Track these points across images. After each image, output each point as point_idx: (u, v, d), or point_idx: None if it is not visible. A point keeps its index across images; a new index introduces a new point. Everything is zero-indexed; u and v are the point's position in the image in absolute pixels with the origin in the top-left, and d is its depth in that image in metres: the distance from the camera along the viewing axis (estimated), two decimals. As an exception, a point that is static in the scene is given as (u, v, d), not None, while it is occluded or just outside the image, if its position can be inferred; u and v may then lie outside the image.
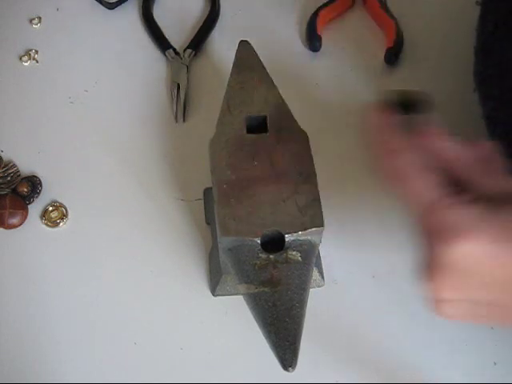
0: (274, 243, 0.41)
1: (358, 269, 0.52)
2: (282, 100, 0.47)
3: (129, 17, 0.65)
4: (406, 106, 0.38)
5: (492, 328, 0.50)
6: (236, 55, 0.49)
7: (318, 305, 0.49)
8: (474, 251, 0.30)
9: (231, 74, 0.48)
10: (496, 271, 0.30)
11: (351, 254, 0.52)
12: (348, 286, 0.51)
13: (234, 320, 0.50)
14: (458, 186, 0.33)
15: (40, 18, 0.65)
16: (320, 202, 0.41)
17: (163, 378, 0.48)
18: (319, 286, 0.50)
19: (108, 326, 0.50)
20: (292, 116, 0.46)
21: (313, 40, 0.62)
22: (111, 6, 0.65)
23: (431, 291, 0.32)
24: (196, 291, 0.51)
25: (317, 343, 0.48)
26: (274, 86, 0.48)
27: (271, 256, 0.41)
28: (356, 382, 0.47)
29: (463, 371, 0.48)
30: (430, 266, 0.32)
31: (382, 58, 0.61)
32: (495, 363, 0.48)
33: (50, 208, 0.54)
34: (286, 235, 0.41)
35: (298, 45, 0.63)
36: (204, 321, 0.50)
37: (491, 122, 0.47)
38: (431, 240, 0.31)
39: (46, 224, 0.54)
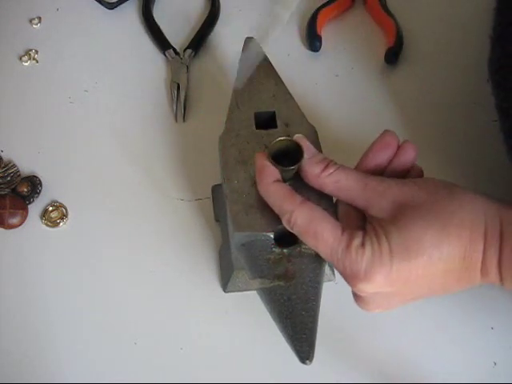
0: (287, 238, 0.41)
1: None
2: (290, 95, 0.47)
3: (129, 17, 0.65)
4: (285, 154, 0.40)
5: (492, 328, 0.50)
6: (242, 52, 0.50)
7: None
8: (378, 286, 0.37)
9: (238, 71, 0.49)
10: (403, 287, 0.37)
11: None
12: (348, 286, 0.51)
13: (234, 320, 0.50)
14: (361, 214, 0.39)
15: (40, 18, 0.65)
16: (331, 196, 0.42)
17: (163, 378, 0.48)
18: (330, 281, 0.50)
19: (108, 325, 0.50)
20: (300, 111, 0.46)
21: (313, 40, 0.62)
22: (111, 6, 0.65)
23: (366, 311, 0.41)
24: (195, 291, 0.51)
25: (317, 343, 0.48)
26: (282, 82, 0.48)
27: (285, 250, 0.41)
28: (356, 382, 0.47)
29: (463, 371, 0.48)
30: (357, 298, 0.40)
31: (382, 57, 0.61)
32: (495, 363, 0.48)
33: (50, 208, 0.54)
34: None
35: (298, 45, 0.63)
36: (203, 321, 0.50)
37: (503, 113, 0.48)
38: (347, 282, 0.38)
39: (46, 224, 0.54)
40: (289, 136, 0.41)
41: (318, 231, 0.38)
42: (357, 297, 0.40)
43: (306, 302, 0.40)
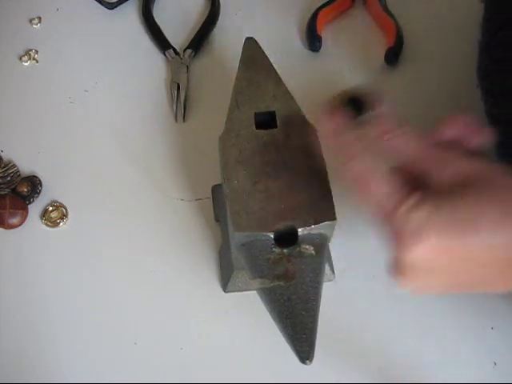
0: (286, 237, 0.41)
1: (358, 269, 0.52)
2: (290, 95, 0.47)
3: (129, 17, 0.65)
4: (357, 104, 0.39)
5: (492, 328, 0.50)
6: (242, 52, 0.50)
7: (318, 305, 0.49)
8: (425, 252, 0.34)
9: (238, 71, 0.49)
10: (446, 265, 0.35)
11: (351, 254, 0.52)
12: (348, 286, 0.51)
13: (234, 320, 0.50)
14: (417, 180, 0.36)
15: (40, 18, 0.65)
16: (331, 196, 0.42)
17: (163, 377, 0.48)
18: (330, 280, 0.50)
19: (108, 326, 0.50)
20: (300, 110, 0.46)
21: (313, 40, 0.62)
22: (111, 6, 0.65)
23: (399, 286, 0.37)
24: (195, 291, 0.51)
25: (317, 343, 0.48)
26: (282, 82, 0.48)
27: (285, 250, 0.41)
28: (356, 382, 0.47)
29: (463, 371, 0.48)
30: (396, 266, 0.36)
31: (382, 57, 0.61)
32: (495, 363, 0.48)
33: (50, 208, 0.54)
34: (299, 229, 0.41)
35: (297, 45, 0.63)
36: (203, 321, 0.50)
37: (493, 119, 0.48)
38: (392, 244, 0.35)
39: (46, 224, 0.54)
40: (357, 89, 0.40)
41: (372, 182, 0.36)
42: (393, 267, 0.37)
43: (306, 302, 0.40)
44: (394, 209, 0.35)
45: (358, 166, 0.37)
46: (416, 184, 0.37)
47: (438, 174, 0.36)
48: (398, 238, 0.35)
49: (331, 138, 0.38)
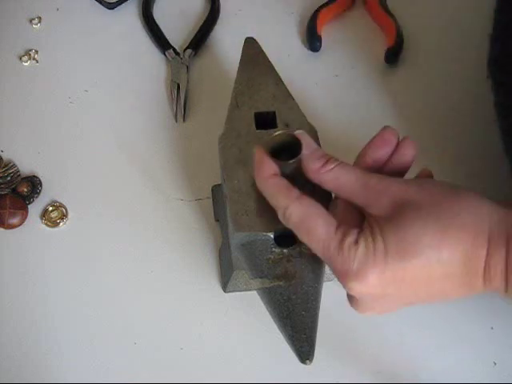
0: (286, 237, 0.41)
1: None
2: (290, 95, 0.47)
3: (129, 17, 0.65)
4: (283, 149, 0.40)
5: (492, 328, 0.50)
6: (242, 52, 0.50)
7: (318, 305, 0.49)
8: (370, 289, 0.36)
9: (238, 71, 0.49)
10: (397, 291, 0.36)
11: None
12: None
13: (234, 320, 0.50)
14: (360, 213, 0.38)
15: (40, 18, 0.65)
16: (331, 195, 0.42)
17: (163, 378, 0.48)
18: (330, 280, 0.50)
19: (108, 325, 0.50)
20: (300, 111, 0.46)
21: (313, 40, 0.62)
22: (111, 6, 0.65)
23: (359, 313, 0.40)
24: (195, 291, 0.51)
25: (317, 343, 0.48)
26: (282, 82, 0.48)
27: (285, 250, 0.41)
28: (356, 382, 0.47)
29: (463, 371, 0.48)
30: (349, 299, 0.40)
31: (382, 57, 0.61)
32: (495, 363, 0.48)
33: (50, 208, 0.54)
34: None
35: (298, 45, 0.63)
36: (203, 321, 0.50)
37: (503, 109, 0.47)
38: (340, 281, 0.37)
39: (46, 224, 0.54)
40: (287, 129, 0.41)
41: (311, 227, 0.37)
42: (349, 297, 0.39)
43: (305, 302, 0.40)
44: (335, 250, 0.36)
45: (296, 212, 0.38)
46: (361, 213, 0.38)
47: (376, 206, 0.37)
48: (341, 275, 0.36)
49: (266, 186, 0.40)
